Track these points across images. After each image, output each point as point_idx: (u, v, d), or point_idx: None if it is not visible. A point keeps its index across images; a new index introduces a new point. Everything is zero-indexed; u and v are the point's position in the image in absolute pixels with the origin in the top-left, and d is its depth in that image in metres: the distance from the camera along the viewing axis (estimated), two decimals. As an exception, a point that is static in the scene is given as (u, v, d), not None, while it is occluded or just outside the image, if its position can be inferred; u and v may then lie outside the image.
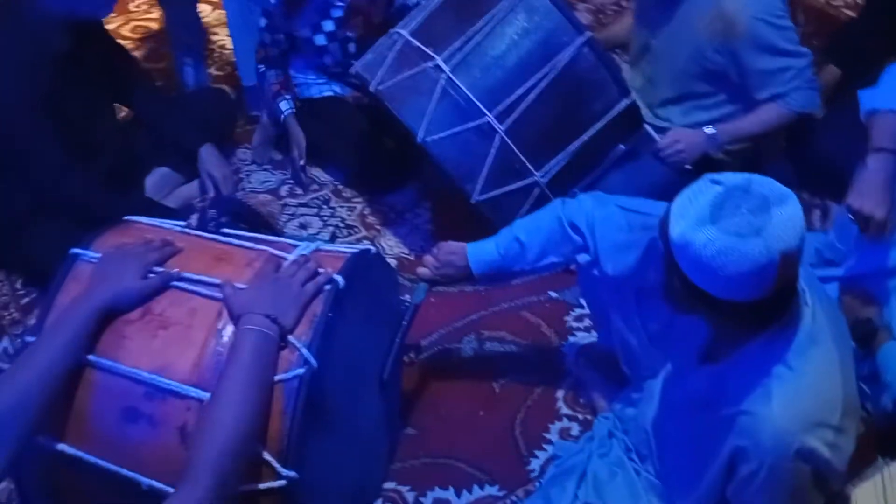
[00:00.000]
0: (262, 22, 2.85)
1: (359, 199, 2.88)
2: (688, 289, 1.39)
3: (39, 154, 2.29)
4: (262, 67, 2.93)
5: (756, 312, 1.40)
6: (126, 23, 3.81)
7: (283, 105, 2.90)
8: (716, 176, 1.39)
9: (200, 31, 3.28)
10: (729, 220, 1.31)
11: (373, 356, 1.88)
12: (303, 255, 1.67)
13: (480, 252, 1.92)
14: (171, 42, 3.25)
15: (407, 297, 2.43)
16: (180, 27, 3.18)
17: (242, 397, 1.40)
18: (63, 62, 2.30)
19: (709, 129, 2.46)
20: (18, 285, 2.60)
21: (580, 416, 2.19)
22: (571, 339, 2.37)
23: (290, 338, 1.50)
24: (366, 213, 2.83)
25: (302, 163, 2.88)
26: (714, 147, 2.49)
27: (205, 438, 1.35)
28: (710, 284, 1.35)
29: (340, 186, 2.92)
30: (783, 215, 1.32)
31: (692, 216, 1.35)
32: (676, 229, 1.36)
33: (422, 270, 1.98)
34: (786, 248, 1.31)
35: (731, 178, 1.38)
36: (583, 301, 2.37)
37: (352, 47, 2.85)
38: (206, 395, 1.45)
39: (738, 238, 1.30)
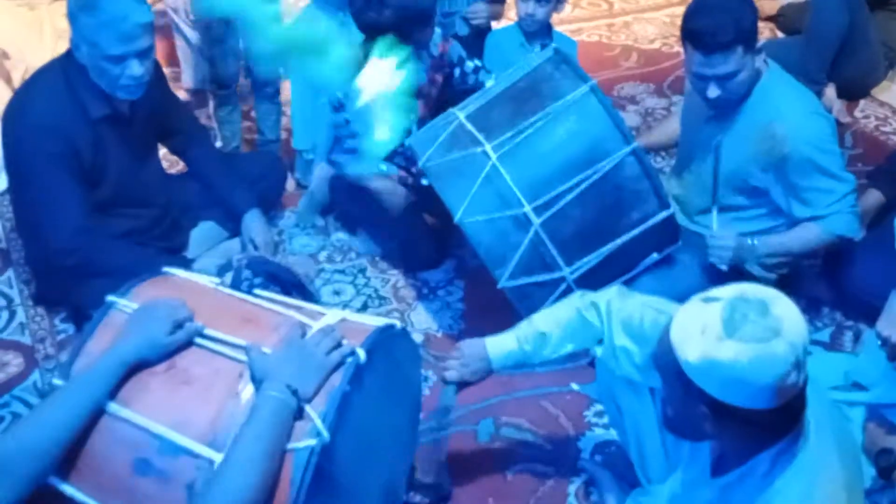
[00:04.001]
0: (337, 117, 2.84)
1: (394, 272, 2.92)
2: (715, 410, 1.36)
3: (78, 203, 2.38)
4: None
5: (777, 417, 1.38)
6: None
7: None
8: (705, 295, 1.40)
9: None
10: (744, 330, 1.32)
11: (389, 430, 1.89)
12: (328, 324, 1.70)
13: (500, 345, 1.94)
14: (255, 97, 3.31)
15: (430, 372, 2.45)
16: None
17: (254, 464, 1.43)
18: (110, 119, 2.38)
19: (751, 241, 2.45)
20: (58, 321, 2.68)
21: (590, 514, 2.16)
22: (589, 433, 2.35)
23: (307, 408, 1.52)
24: (399, 285, 2.87)
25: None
26: (752, 257, 2.47)
27: (215, 500, 1.38)
28: (744, 397, 1.34)
29: (377, 258, 2.98)
30: (786, 311, 1.34)
31: (708, 336, 1.34)
32: (693, 353, 1.35)
33: (448, 373, 1.97)
34: (804, 340, 1.33)
35: (724, 291, 1.39)
36: (603, 397, 2.37)
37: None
38: (218, 456, 1.48)
39: (762, 344, 1.30)
